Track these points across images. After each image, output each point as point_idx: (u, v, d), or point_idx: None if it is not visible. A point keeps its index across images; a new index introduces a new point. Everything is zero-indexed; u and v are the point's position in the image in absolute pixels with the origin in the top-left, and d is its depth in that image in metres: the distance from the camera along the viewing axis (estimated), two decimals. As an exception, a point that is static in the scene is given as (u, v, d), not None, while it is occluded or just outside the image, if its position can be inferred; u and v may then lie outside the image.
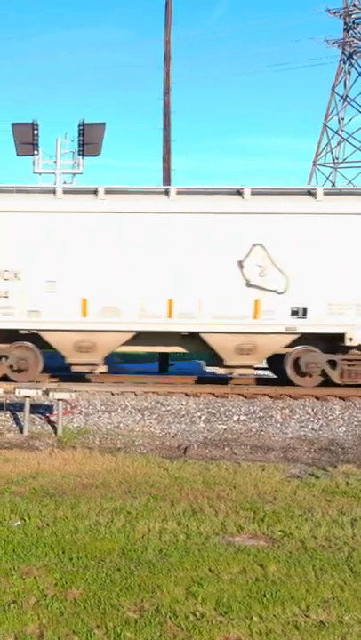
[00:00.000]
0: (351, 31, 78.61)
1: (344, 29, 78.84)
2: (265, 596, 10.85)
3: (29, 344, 24.07)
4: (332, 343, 24.19)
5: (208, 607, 10.46)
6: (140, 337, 24.13)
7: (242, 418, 21.70)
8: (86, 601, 10.45)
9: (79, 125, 33.72)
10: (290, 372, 24.33)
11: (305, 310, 23.80)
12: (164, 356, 30.66)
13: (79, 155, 34.57)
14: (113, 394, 23.11)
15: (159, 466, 17.42)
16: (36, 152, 34.61)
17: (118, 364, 33.83)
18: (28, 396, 20.23)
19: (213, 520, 13.94)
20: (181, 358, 34.49)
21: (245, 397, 23.22)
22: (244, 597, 10.78)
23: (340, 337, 23.84)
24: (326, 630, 9.91)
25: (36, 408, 21.27)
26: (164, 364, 30.84)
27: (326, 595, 10.93)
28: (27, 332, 24.17)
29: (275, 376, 25.87)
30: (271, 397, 23.20)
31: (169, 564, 11.82)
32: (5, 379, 23.52)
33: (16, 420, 21.01)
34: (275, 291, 23.71)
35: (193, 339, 24.29)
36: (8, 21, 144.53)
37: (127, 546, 12.54)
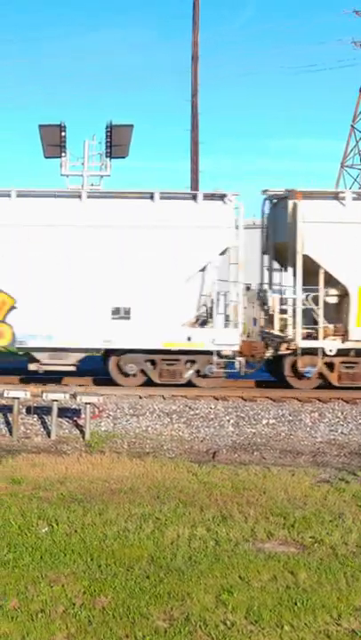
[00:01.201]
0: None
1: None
2: (296, 604, 10.71)
3: None
4: None
5: (238, 616, 10.32)
6: None
7: (271, 422, 21.53)
8: (115, 609, 10.33)
9: (106, 127, 33.65)
10: None
11: None
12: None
13: (107, 156, 34.51)
14: (141, 397, 22.99)
15: (188, 470, 17.29)
16: (63, 154, 34.56)
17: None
18: (56, 400, 20.13)
19: (243, 526, 13.81)
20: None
21: (274, 401, 23.04)
22: (274, 605, 10.64)
23: None
24: (359, 639, 9.76)
25: (64, 412, 21.18)
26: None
27: (358, 602, 10.78)
28: None
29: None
30: (300, 401, 23.02)
31: (198, 572, 11.69)
32: None
33: (43, 423, 20.93)
34: None
35: None
36: (35, 23, 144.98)
37: (156, 552, 12.42)
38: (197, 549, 12.63)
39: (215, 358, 23.93)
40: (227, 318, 24.56)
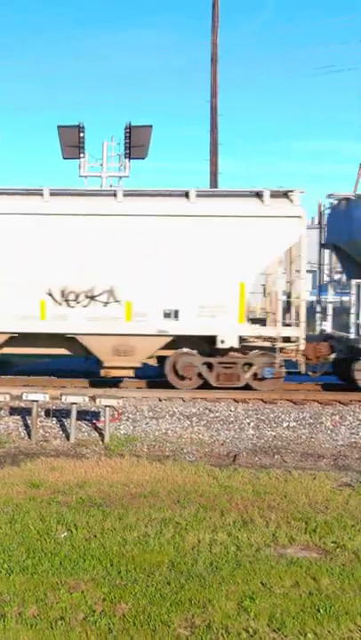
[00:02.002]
0: None
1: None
2: (319, 610, 10.57)
3: None
4: None
5: (261, 623, 10.18)
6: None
7: (291, 424, 21.38)
8: (135, 617, 10.20)
9: (125, 128, 33.65)
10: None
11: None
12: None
13: (125, 157, 34.50)
14: (160, 399, 22.89)
15: (208, 474, 17.15)
16: (82, 155, 34.60)
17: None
18: (75, 403, 20.03)
19: (264, 531, 13.66)
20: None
21: (295, 403, 22.92)
22: (297, 612, 10.50)
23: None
24: (383, 647, 9.64)
25: (83, 414, 21.08)
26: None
27: (382, 609, 10.63)
28: None
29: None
30: (321, 403, 22.88)
31: (220, 578, 11.55)
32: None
33: (62, 426, 20.83)
34: None
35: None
36: (54, 25, 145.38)
37: (177, 558, 12.28)
38: (219, 555, 12.50)
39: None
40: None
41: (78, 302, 23.96)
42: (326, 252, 27.67)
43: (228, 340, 23.81)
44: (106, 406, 19.97)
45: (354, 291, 24.44)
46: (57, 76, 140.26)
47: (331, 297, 26.48)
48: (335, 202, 26.75)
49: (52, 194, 24.28)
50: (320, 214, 27.50)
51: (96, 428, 20.79)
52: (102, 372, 24.53)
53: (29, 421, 20.57)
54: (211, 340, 24.06)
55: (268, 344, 24.11)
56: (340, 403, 22.93)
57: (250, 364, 24.28)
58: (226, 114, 62.96)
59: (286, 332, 24.41)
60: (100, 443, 19.90)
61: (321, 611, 10.55)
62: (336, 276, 28.39)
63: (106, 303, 23.98)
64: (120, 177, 35.60)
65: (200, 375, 24.34)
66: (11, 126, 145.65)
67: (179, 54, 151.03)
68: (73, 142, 34.07)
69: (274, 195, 24.21)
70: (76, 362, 28.21)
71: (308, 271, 27.15)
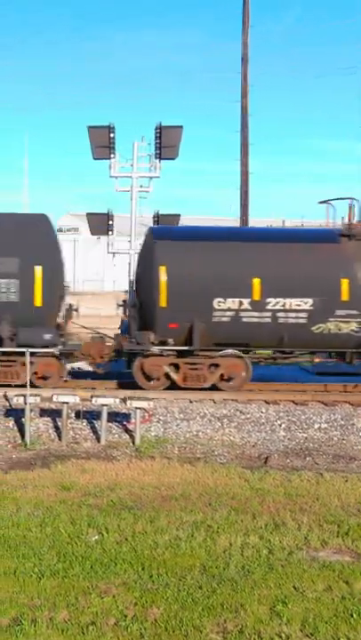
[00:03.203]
0: None
1: None
2: (352, 615, 10.50)
3: None
4: None
5: (294, 628, 10.10)
6: None
7: (323, 426, 21.24)
8: (167, 622, 10.13)
9: (156, 128, 33.57)
10: None
11: None
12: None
13: (156, 158, 34.44)
14: (191, 401, 22.80)
15: (240, 476, 17.06)
16: (112, 155, 34.55)
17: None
18: (106, 405, 19.99)
19: (296, 534, 13.57)
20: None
21: (326, 405, 22.76)
22: (330, 617, 10.42)
23: None
24: None
25: (113, 416, 21.02)
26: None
27: None
28: None
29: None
30: (352, 405, 22.70)
31: (252, 582, 11.47)
32: None
33: (93, 428, 20.79)
34: None
35: None
36: (83, 24, 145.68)
37: (208, 562, 12.21)
38: (250, 558, 12.42)
39: None
40: None
41: None
42: None
43: None
44: (137, 408, 19.90)
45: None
46: (86, 77, 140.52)
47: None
48: None
49: None
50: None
51: (127, 430, 20.73)
52: None
53: (59, 423, 20.54)
54: None
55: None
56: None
57: None
58: (256, 114, 62.75)
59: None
60: (131, 445, 19.84)
61: (354, 615, 10.47)
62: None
63: None
64: (151, 177, 35.56)
65: None
66: (41, 126, 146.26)
67: (210, 54, 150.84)
68: (103, 143, 34.02)
69: None
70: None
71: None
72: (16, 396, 20.43)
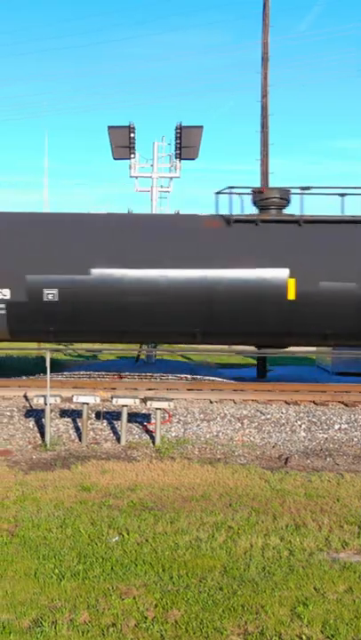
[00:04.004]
0: None
1: None
2: (374, 617, 10.42)
3: None
4: None
5: (315, 630, 10.05)
6: None
7: (343, 427, 21.19)
8: (188, 623, 10.09)
9: (176, 128, 33.65)
10: None
11: None
12: (262, 361, 30.28)
13: (176, 158, 34.51)
14: (211, 402, 22.79)
15: (260, 477, 17.03)
16: (132, 155, 34.68)
17: (216, 369, 33.65)
18: (126, 405, 19.99)
19: (317, 535, 13.52)
20: (279, 363, 34.11)
21: (347, 405, 22.72)
22: (351, 619, 10.35)
23: None
24: None
25: (133, 417, 21.04)
26: (262, 370, 30.45)
27: None
28: None
29: None
30: (373, 405, 22.67)
31: (273, 583, 11.43)
32: None
33: (113, 429, 20.80)
34: None
35: None
36: (104, 24, 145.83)
37: (229, 563, 12.17)
38: (271, 559, 12.38)
39: None
40: None
41: None
42: None
43: None
44: (157, 409, 19.91)
45: None
46: (105, 77, 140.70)
47: None
48: None
49: None
50: None
51: (147, 431, 20.74)
52: None
53: (79, 423, 20.57)
54: None
55: None
56: (393, 404, 22.71)
57: None
58: (277, 113, 62.73)
59: None
60: (151, 445, 19.84)
61: (376, 617, 10.41)
62: None
63: None
64: (171, 177, 35.61)
65: None
66: (60, 127, 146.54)
67: (229, 54, 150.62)
68: (123, 143, 34.14)
69: None
70: (123, 363, 28.23)
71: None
72: (36, 396, 20.46)
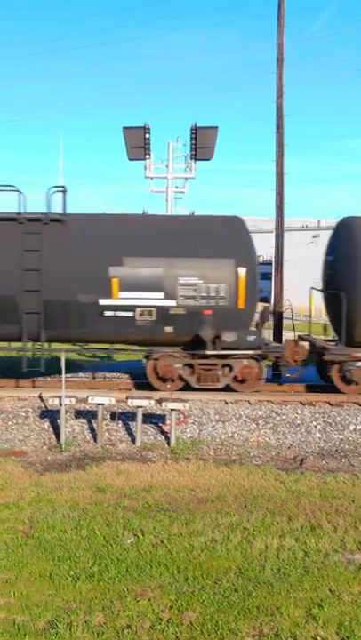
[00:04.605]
0: None
1: None
2: (389, 619, 10.41)
3: None
4: None
5: (330, 631, 10.05)
6: None
7: (358, 427, 21.11)
8: (203, 625, 10.11)
9: (191, 129, 33.58)
10: None
11: None
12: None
13: (191, 159, 34.45)
14: (227, 402, 22.74)
15: (275, 478, 17.01)
16: (147, 156, 34.61)
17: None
18: (141, 406, 19.97)
19: (332, 536, 13.51)
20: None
21: (362, 406, 22.65)
22: (366, 620, 10.35)
23: None
24: None
25: (148, 418, 21.02)
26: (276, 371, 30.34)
27: None
28: None
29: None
30: (389, 405, 22.59)
31: (288, 585, 11.43)
32: None
33: (128, 430, 20.79)
34: None
35: None
36: (118, 24, 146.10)
37: (244, 564, 12.18)
38: (286, 561, 12.38)
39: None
40: None
41: None
42: None
43: None
44: (172, 410, 19.89)
45: None
46: (120, 77, 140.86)
47: None
48: None
49: None
50: None
51: (162, 432, 20.72)
52: None
53: (94, 424, 20.57)
54: None
55: None
56: None
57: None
58: (292, 114, 62.58)
59: None
60: (167, 446, 19.82)
61: (391, 619, 10.40)
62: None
63: None
64: (186, 178, 35.57)
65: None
66: (76, 127, 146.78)
67: (243, 54, 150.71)
68: (138, 143, 34.08)
69: None
70: (139, 363, 28.17)
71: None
72: (51, 397, 20.46)
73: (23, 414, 21.49)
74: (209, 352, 23.17)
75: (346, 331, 23.82)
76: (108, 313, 23.00)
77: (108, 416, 21.16)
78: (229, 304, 23.15)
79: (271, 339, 27.75)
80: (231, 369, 23.48)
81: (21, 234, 23.09)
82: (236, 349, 23.00)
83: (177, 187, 35.71)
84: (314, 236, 57.61)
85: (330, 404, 22.61)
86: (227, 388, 23.78)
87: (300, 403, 22.65)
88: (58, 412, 20.55)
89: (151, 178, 35.43)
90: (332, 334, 26.76)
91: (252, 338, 23.36)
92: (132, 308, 23.01)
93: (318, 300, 29.58)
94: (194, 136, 33.65)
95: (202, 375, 23.40)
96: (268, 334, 27.12)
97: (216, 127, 33.80)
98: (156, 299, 23.02)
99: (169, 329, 23.23)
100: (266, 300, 28.54)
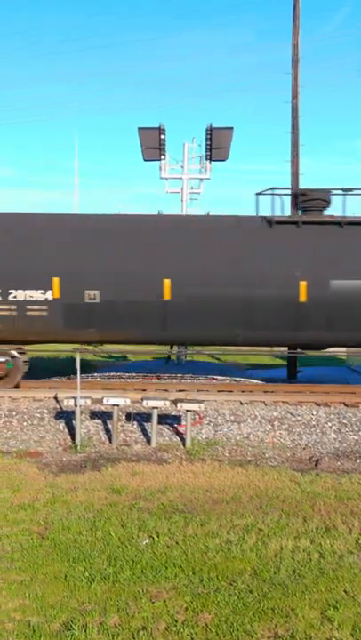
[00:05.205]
0: None
1: None
2: None
3: None
4: None
5: (345, 633, 10.03)
6: None
7: (374, 428, 21.10)
8: (218, 627, 10.10)
9: (206, 130, 33.67)
10: None
11: None
12: (292, 362, 30.19)
13: (206, 159, 34.52)
14: (242, 403, 22.73)
15: (290, 479, 16.98)
16: (162, 157, 34.68)
17: (247, 370, 33.60)
18: (156, 407, 19.97)
19: (347, 537, 13.48)
20: (307, 364, 34.00)
21: (378, 406, 22.60)
22: (382, 622, 10.33)
23: None
24: None
25: (164, 418, 21.03)
26: (292, 372, 30.36)
27: None
28: None
29: None
30: None
31: (303, 586, 11.41)
32: None
33: (143, 430, 20.80)
34: None
35: None
36: (132, 25, 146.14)
37: (259, 566, 12.16)
38: (301, 562, 12.35)
39: None
40: None
41: None
42: None
43: None
44: (187, 410, 19.88)
45: None
46: (136, 77, 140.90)
47: None
48: None
49: None
50: None
51: (177, 433, 20.72)
52: None
53: (110, 425, 20.58)
54: None
55: None
56: None
57: None
58: (306, 114, 62.60)
59: None
60: (182, 447, 19.82)
61: None
62: None
63: None
64: (201, 179, 35.62)
65: None
66: (91, 127, 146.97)
67: (259, 55, 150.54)
68: (153, 144, 34.16)
69: None
70: (154, 364, 28.22)
71: None
72: (67, 398, 20.49)
73: (38, 415, 21.54)
74: None
75: None
76: None
77: (124, 417, 21.18)
78: None
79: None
80: None
81: None
82: None
83: (192, 187, 35.78)
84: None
85: (345, 405, 22.57)
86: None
87: (316, 403, 22.62)
88: (73, 412, 20.58)
89: (166, 179, 35.49)
90: None
91: None
92: None
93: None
94: (209, 137, 33.74)
95: None
96: None
97: (231, 128, 33.88)
98: None
99: None
100: None
